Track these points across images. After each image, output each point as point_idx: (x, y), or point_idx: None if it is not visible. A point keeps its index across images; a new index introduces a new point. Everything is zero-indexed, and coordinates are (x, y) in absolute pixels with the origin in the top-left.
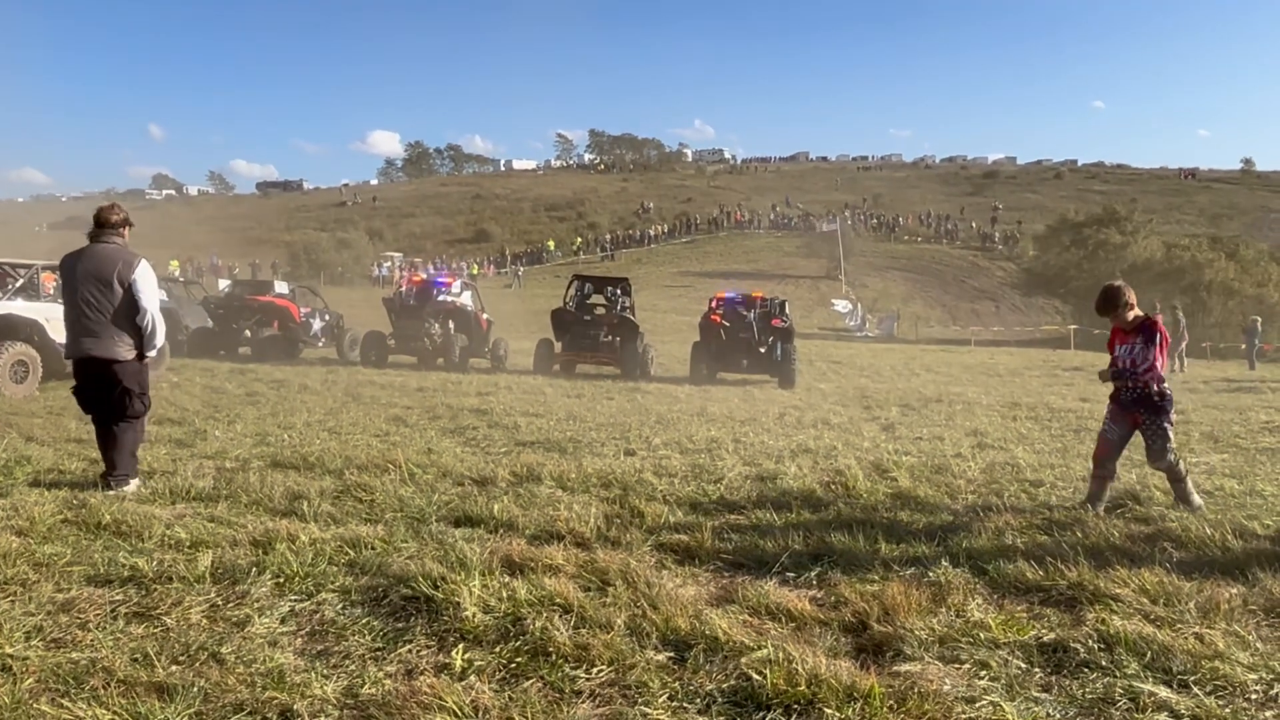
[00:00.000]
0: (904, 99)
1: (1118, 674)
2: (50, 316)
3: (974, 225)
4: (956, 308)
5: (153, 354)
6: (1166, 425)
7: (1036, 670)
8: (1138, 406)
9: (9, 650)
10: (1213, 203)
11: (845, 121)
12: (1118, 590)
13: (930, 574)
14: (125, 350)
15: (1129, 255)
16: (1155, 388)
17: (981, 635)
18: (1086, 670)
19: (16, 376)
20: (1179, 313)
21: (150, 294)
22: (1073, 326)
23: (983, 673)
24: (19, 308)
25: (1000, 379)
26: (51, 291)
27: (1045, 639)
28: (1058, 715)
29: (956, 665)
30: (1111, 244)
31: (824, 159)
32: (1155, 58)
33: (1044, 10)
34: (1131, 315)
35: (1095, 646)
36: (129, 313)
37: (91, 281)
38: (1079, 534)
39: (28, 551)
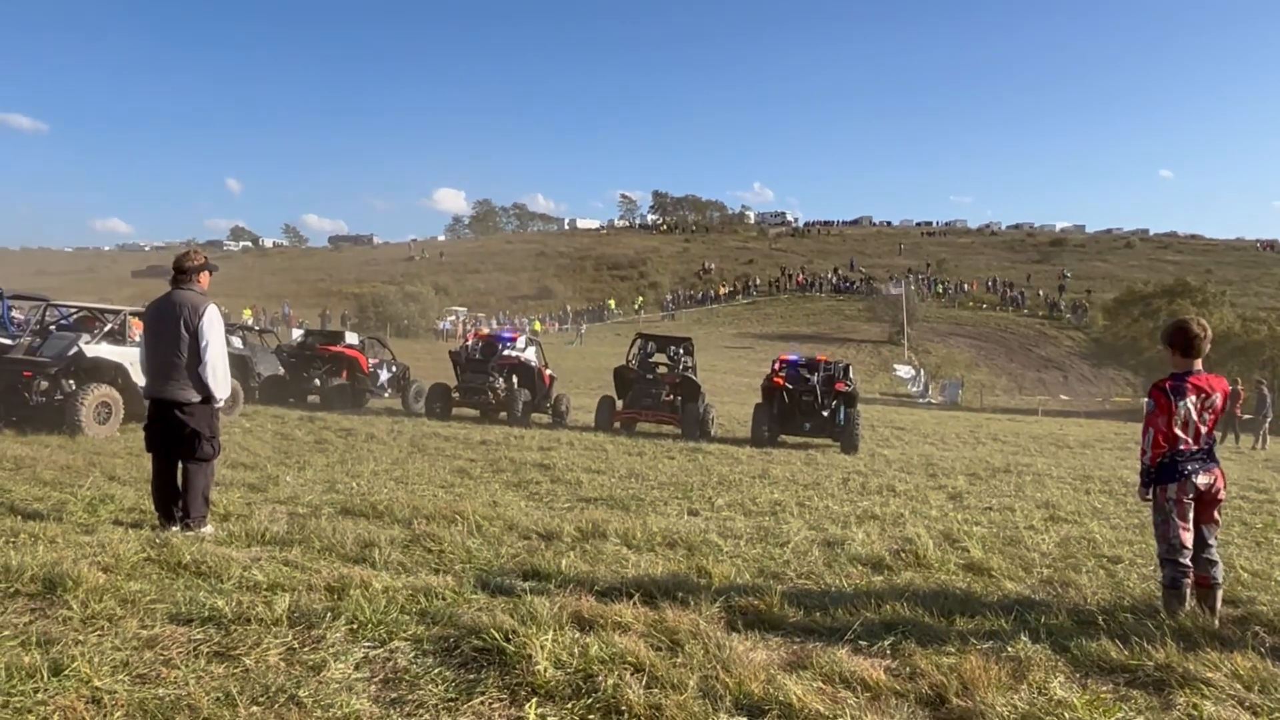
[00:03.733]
0: (965, 165)
1: None
2: (134, 360)
3: (1041, 293)
4: (1023, 376)
5: (221, 398)
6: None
7: None
8: None
9: (98, 684)
10: None
11: (905, 187)
12: (1209, 674)
13: (1009, 649)
14: (194, 393)
15: None
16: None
17: (1066, 715)
18: None
19: (100, 417)
20: (1264, 387)
21: (214, 340)
22: (1145, 399)
23: None
24: (105, 351)
25: (1070, 450)
26: (137, 337)
27: None
28: None
29: None
30: (1186, 314)
31: (887, 223)
32: (1223, 127)
33: (1106, 78)
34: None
35: None
36: (197, 357)
37: (165, 325)
38: (1163, 614)
39: (114, 588)
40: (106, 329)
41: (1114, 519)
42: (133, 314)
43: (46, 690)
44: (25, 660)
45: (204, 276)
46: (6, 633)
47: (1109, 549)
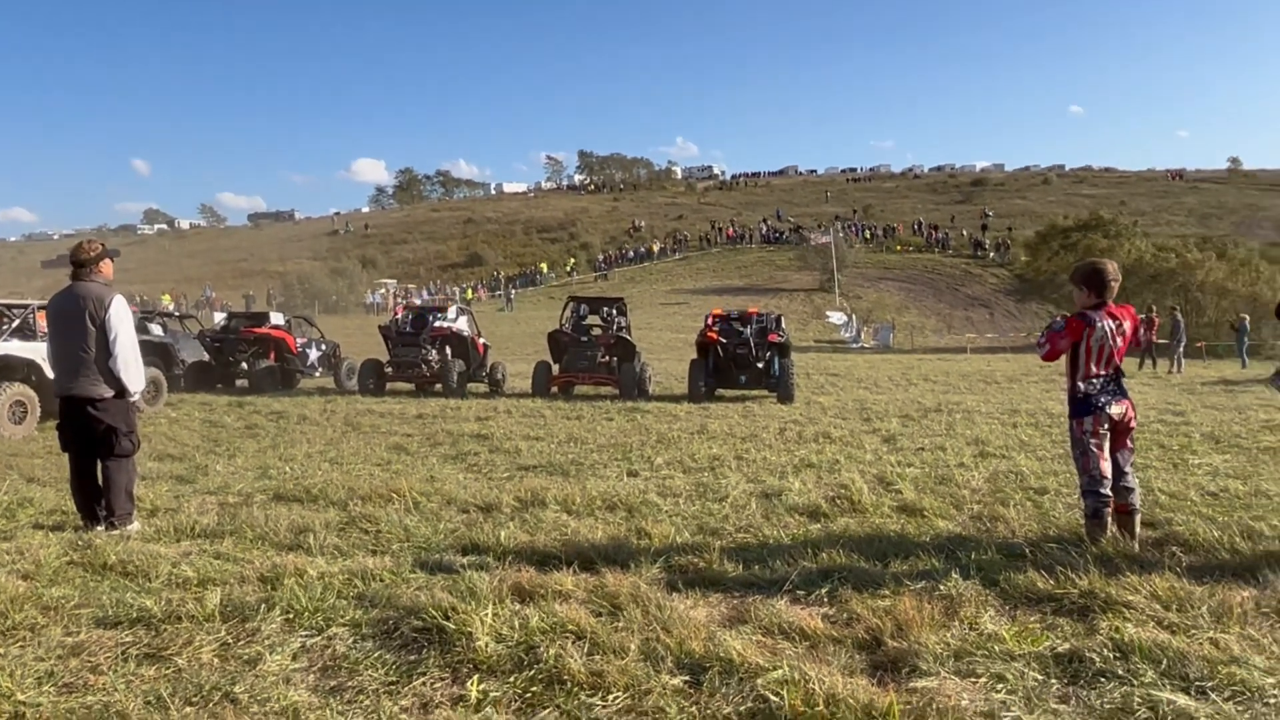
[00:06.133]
0: (883, 110)
1: (1135, 683)
2: (46, 356)
3: (965, 233)
4: (951, 316)
5: (136, 392)
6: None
7: (1053, 681)
8: None
9: (21, 697)
10: (1201, 203)
11: (829, 135)
12: (1130, 597)
13: (941, 587)
14: (106, 389)
15: (1117, 259)
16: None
17: (996, 648)
18: (1103, 680)
19: (15, 417)
20: (1178, 314)
21: (123, 331)
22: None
23: (1000, 686)
24: (15, 348)
25: (998, 386)
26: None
27: (1060, 649)
28: None
29: (973, 679)
30: (1098, 248)
31: (813, 172)
32: (1127, 61)
33: (1016, 19)
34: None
35: (1110, 655)
36: (106, 350)
37: (69, 320)
38: (1087, 543)
39: (35, 595)
40: (15, 325)
41: (1040, 451)
42: (40, 308)
43: None
44: None
45: (105, 265)
46: None
47: (1035, 481)
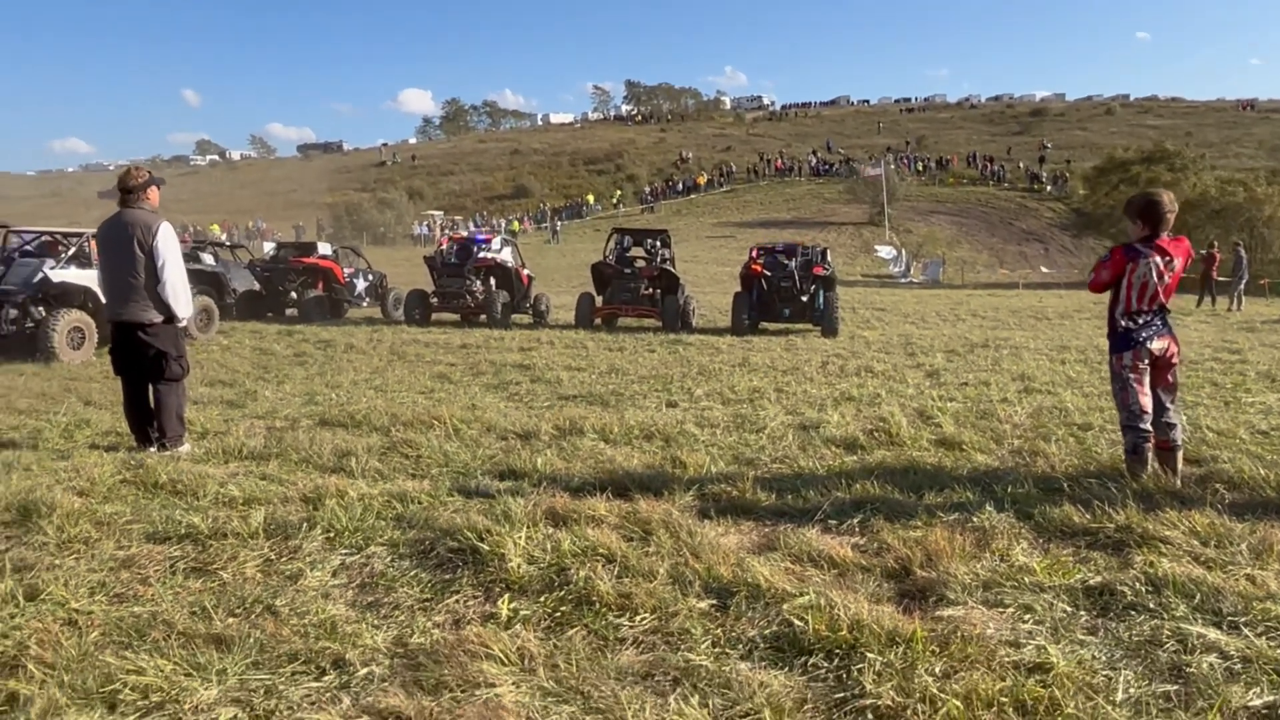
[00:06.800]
0: (940, 38)
1: (1166, 616)
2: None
3: (1021, 165)
4: (1004, 251)
5: (184, 317)
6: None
7: (1082, 613)
8: None
9: (75, 605)
10: (1273, 135)
11: (882, 64)
12: (1167, 532)
13: (974, 519)
14: (155, 314)
15: (1180, 193)
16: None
17: (1026, 579)
18: (1134, 613)
19: (73, 342)
20: (1240, 249)
21: (171, 258)
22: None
23: (1027, 616)
24: (72, 275)
25: (1049, 322)
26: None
27: (1091, 582)
28: (1104, 658)
29: (1000, 609)
30: (1161, 182)
31: (865, 102)
32: None
33: None
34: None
35: (1143, 589)
36: (155, 277)
37: (118, 247)
38: (1127, 479)
39: (89, 511)
40: (71, 252)
41: (1087, 387)
42: (94, 236)
43: (22, 615)
44: None
45: (152, 192)
46: None
47: (1080, 417)
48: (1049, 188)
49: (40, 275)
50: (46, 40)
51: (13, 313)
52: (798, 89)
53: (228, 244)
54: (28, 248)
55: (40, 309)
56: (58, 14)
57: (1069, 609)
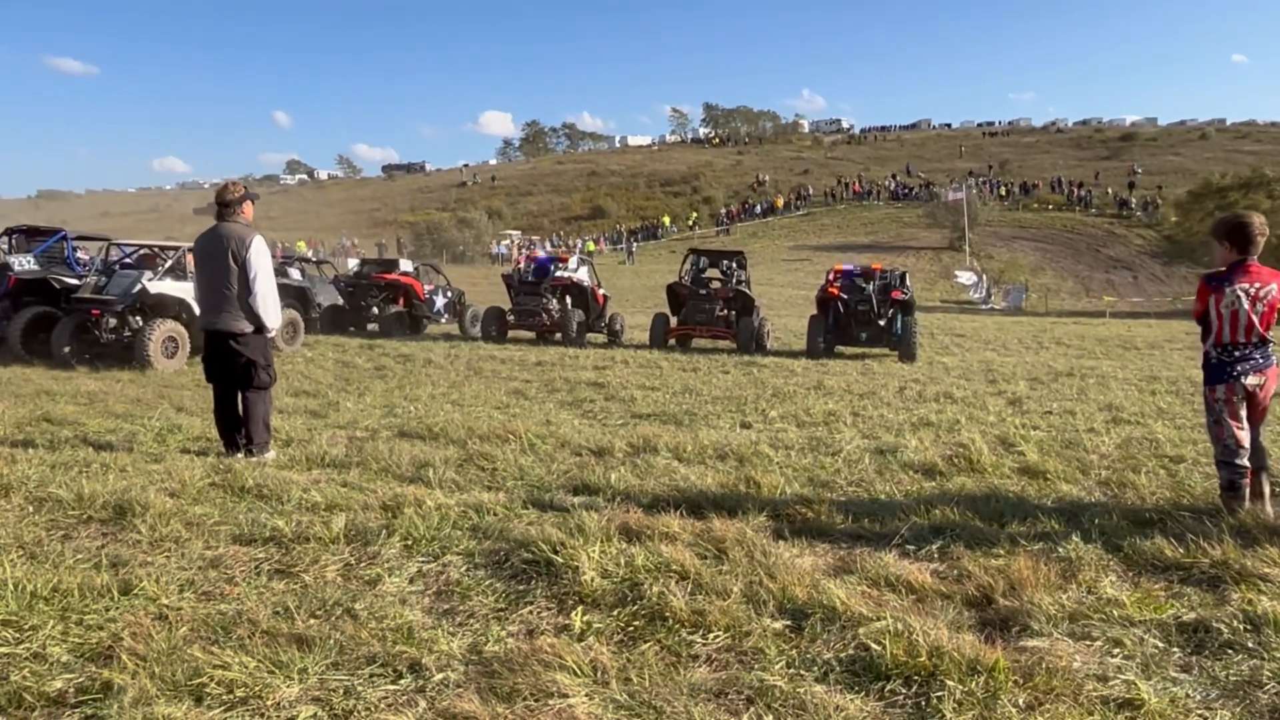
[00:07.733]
0: (1025, 61)
1: (1266, 656)
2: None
3: (1110, 191)
4: (1090, 278)
5: (273, 327)
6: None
7: (1175, 650)
8: None
9: (165, 601)
10: None
11: (964, 87)
12: (1266, 570)
13: (1059, 550)
14: (246, 324)
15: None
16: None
17: (1115, 613)
18: (1230, 651)
19: (167, 351)
20: None
21: (262, 270)
22: None
23: (1116, 650)
24: (168, 287)
25: (1138, 352)
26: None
27: (1185, 618)
28: (1198, 697)
29: (1088, 642)
30: (1260, 209)
31: (947, 126)
32: None
33: None
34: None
35: (1241, 627)
36: (247, 288)
37: (213, 258)
38: (1223, 514)
39: (180, 511)
40: (168, 265)
41: (1179, 419)
42: (190, 250)
43: (116, 608)
44: (97, 581)
45: (247, 207)
46: (80, 555)
47: (1171, 449)
48: (1139, 214)
49: (139, 286)
50: (149, 64)
51: (112, 322)
52: (877, 112)
53: (314, 260)
54: (127, 260)
55: (138, 319)
56: (160, 40)
57: (1161, 645)
